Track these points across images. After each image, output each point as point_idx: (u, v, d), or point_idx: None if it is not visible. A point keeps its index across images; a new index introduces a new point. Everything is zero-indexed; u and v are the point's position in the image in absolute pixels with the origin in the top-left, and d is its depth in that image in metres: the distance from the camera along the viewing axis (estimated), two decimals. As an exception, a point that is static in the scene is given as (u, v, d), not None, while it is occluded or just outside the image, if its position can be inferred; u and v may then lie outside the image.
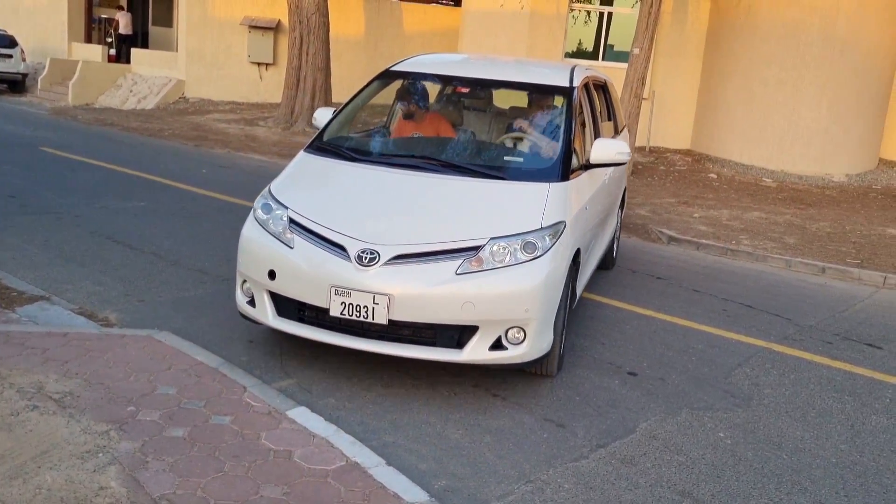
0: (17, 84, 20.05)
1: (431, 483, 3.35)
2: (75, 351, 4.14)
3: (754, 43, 13.39)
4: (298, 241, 4.13)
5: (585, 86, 5.60)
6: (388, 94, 5.79)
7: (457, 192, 4.43)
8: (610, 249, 6.69)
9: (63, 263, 5.98)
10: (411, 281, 3.89)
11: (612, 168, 5.59)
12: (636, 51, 12.07)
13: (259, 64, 19.34)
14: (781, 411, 4.41)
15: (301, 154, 4.99)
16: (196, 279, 5.84)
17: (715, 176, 13.09)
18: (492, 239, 4.02)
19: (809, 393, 4.70)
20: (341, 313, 3.93)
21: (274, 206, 4.39)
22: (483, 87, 5.79)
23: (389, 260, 3.93)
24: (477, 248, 3.99)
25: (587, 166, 5.01)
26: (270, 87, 19.09)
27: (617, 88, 7.61)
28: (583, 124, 5.32)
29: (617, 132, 6.86)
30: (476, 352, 3.95)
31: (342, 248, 4.01)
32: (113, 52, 20.80)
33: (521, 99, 5.80)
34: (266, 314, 4.22)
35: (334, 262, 3.98)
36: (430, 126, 5.46)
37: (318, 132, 5.19)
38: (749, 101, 13.55)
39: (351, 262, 3.95)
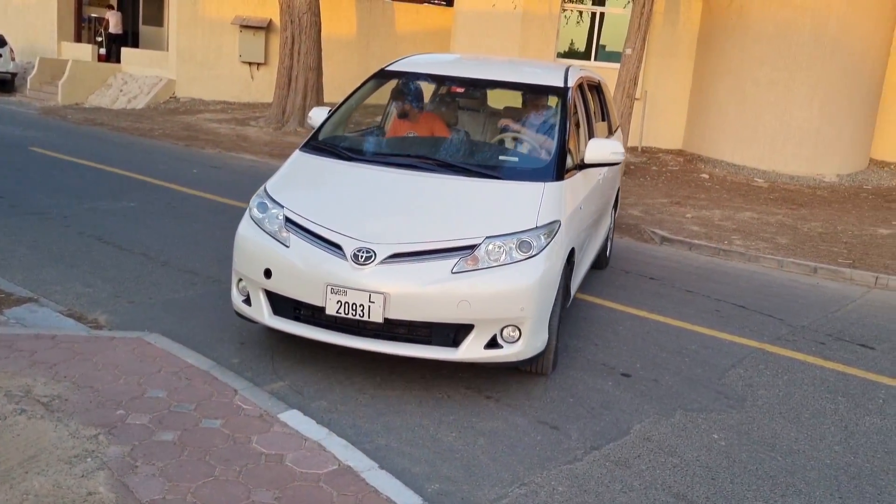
0: (5, 83, 19.89)
1: (425, 486, 3.33)
2: (64, 353, 4.09)
3: (746, 43, 13.41)
4: (294, 239, 4.14)
5: (580, 86, 5.63)
6: (384, 93, 5.80)
7: (452, 192, 4.44)
8: (604, 249, 6.70)
9: (52, 265, 5.92)
10: (407, 280, 3.91)
11: (606, 168, 5.63)
12: (628, 51, 12.07)
13: (250, 63, 19.26)
14: (775, 412, 4.40)
15: (296, 153, 4.99)
16: (186, 280, 5.79)
17: (707, 176, 13.11)
18: (487, 238, 4.03)
19: (803, 394, 4.70)
20: (337, 312, 3.94)
21: (270, 204, 4.39)
22: (478, 87, 5.81)
23: (385, 259, 3.94)
24: (472, 247, 4.00)
25: (582, 166, 5.03)
26: (262, 87, 19.02)
27: (609, 89, 7.60)
28: (577, 124, 5.34)
29: (611, 132, 6.88)
30: (471, 350, 3.96)
31: (338, 246, 4.02)
32: (103, 51, 20.67)
33: (515, 99, 5.81)
34: (262, 313, 4.23)
35: (330, 260, 3.99)
36: (425, 126, 5.48)
37: (313, 131, 5.19)
38: (741, 101, 13.57)
39: (347, 260, 3.96)
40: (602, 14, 15.60)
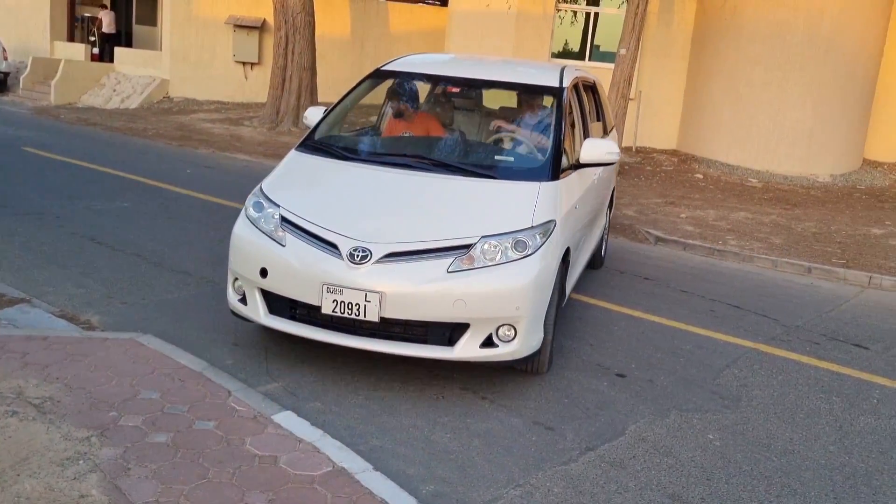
0: (-2, 83, 19.80)
1: (419, 488, 3.31)
2: (56, 355, 4.06)
3: (740, 43, 13.43)
4: (290, 239, 4.15)
5: (575, 86, 5.64)
6: (379, 93, 5.82)
7: (448, 191, 4.46)
8: (599, 249, 6.72)
9: (44, 265, 5.88)
10: (403, 279, 3.92)
11: (601, 168, 5.63)
12: (623, 51, 12.08)
13: (244, 63, 19.21)
14: (770, 412, 4.40)
15: (292, 153, 5.00)
16: (180, 281, 5.76)
17: (701, 176, 13.13)
18: (483, 237, 4.04)
19: (797, 394, 4.70)
20: (333, 311, 3.95)
21: (265, 204, 4.40)
22: (474, 87, 5.82)
23: (381, 258, 3.95)
24: (468, 247, 4.01)
25: (577, 166, 5.05)
26: (256, 87, 18.96)
27: (604, 89, 7.60)
28: (572, 124, 5.36)
29: (606, 132, 6.88)
30: (467, 349, 3.98)
31: (334, 246, 4.03)
32: (96, 51, 20.57)
33: (511, 99, 5.83)
34: (258, 312, 4.24)
35: (326, 260, 4.00)
36: (420, 125, 5.50)
37: (308, 131, 5.20)
38: (735, 101, 13.59)
39: (343, 260, 3.97)
40: (596, 14, 15.60)
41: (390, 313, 3.91)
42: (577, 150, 5.10)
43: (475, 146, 5.38)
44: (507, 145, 5.26)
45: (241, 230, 4.36)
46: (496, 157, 5.05)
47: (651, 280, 7.01)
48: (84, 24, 21.97)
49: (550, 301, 4.25)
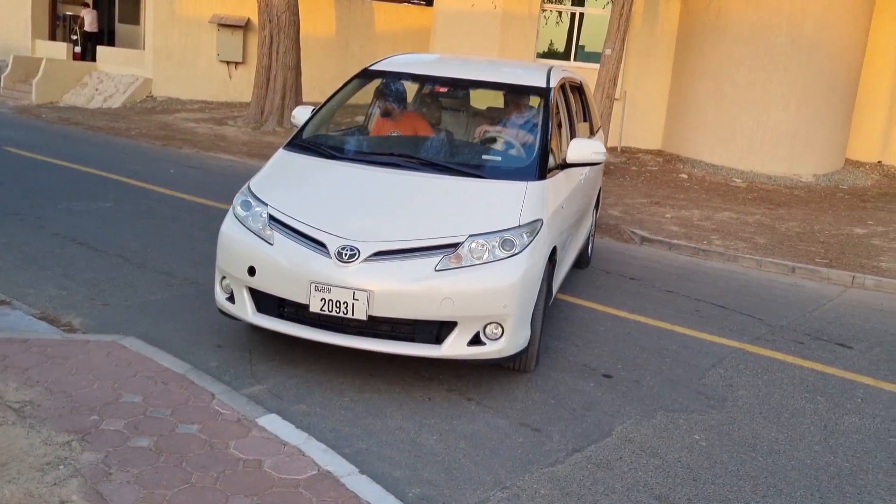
0: (-22, 82, 19.56)
1: (406, 491, 3.29)
2: (36, 358, 4.00)
3: (724, 44, 13.49)
4: (278, 237, 4.16)
5: (562, 87, 5.68)
6: (367, 93, 5.83)
7: (436, 190, 4.48)
8: (585, 248, 6.75)
9: (24, 266, 5.80)
10: (391, 277, 3.94)
11: (587, 168, 5.68)
12: (608, 51, 12.10)
13: (228, 63, 19.08)
14: (755, 412, 4.41)
15: (280, 152, 5.01)
16: (163, 282, 5.70)
17: (686, 176, 13.18)
18: (470, 236, 4.06)
19: (782, 393, 4.71)
20: (321, 309, 3.96)
21: (253, 203, 4.40)
22: (461, 87, 5.85)
23: (369, 256, 3.97)
24: (456, 245, 4.03)
25: (564, 166, 5.08)
26: (240, 87, 18.84)
27: (590, 89, 7.61)
28: (559, 124, 5.39)
29: (592, 133, 6.91)
30: (455, 347, 4.00)
31: (322, 244, 4.04)
32: (78, 49, 20.37)
33: (498, 99, 5.86)
34: (245, 310, 4.24)
35: (314, 258, 4.01)
36: (408, 125, 5.53)
37: (297, 130, 5.21)
38: (719, 101, 13.66)
39: (331, 258, 3.98)
40: (581, 14, 15.63)
41: (378, 311, 3.92)
42: (563, 150, 5.13)
43: (463, 146, 5.41)
44: (494, 145, 5.28)
45: (229, 229, 4.36)
46: (483, 157, 5.08)
47: (637, 280, 7.02)
48: (66, 22, 21.74)
49: (537, 299, 4.27)
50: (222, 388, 3.90)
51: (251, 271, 4.13)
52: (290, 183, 4.72)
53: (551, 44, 16.59)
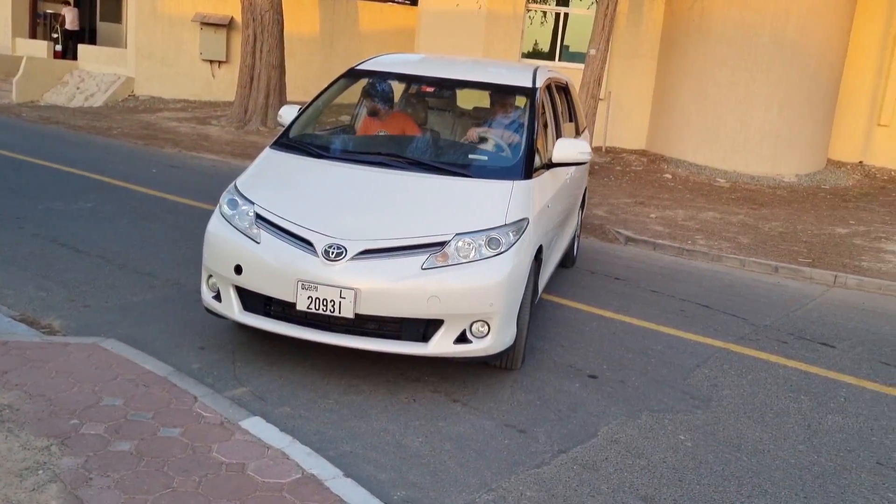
0: (-43, 80, 19.30)
1: (391, 494, 3.26)
2: (15, 360, 3.94)
3: (708, 45, 13.56)
4: (265, 236, 4.16)
5: (548, 87, 5.71)
6: (353, 92, 5.83)
7: (423, 189, 4.49)
8: (571, 247, 6.78)
9: (3, 267, 5.72)
10: (378, 275, 3.94)
11: (573, 168, 5.71)
12: (592, 52, 12.12)
13: (211, 62, 18.95)
14: (740, 412, 4.42)
15: (267, 150, 5.01)
16: (145, 283, 5.64)
17: (670, 176, 13.23)
18: (457, 235, 4.07)
19: (767, 393, 4.73)
20: (308, 307, 3.96)
21: (240, 201, 4.40)
22: (448, 87, 5.88)
23: (356, 255, 3.97)
24: (442, 244, 4.04)
25: (549, 165, 5.11)
26: (223, 86, 18.72)
27: (576, 90, 7.62)
28: (545, 124, 5.43)
29: (578, 133, 6.93)
30: (441, 345, 4.01)
31: (309, 243, 4.04)
32: (59, 48, 20.17)
33: (485, 98, 5.88)
34: (232, 309, 4.23)
35: (301, 256, 4.01)
36: (395, 124, 5.55)
37: (283, 129, 5.22)
38: (703, 102, 13.72)
39: (318, 256, 3.98)
40: (566, 14, 15.65)
41: (365, 310, 3.92)
42: (549, 150, 5.15)
43: (449, 145, 5.44)
44: (480, 145, 5.29)
45: (216, 227, 4.36)
46: (470, 156, 5.09)
47: (622, 280, 7.03)
48: (47, 20, 21.50)
49: (524, 298, 4.29)
50: (205, 391, 3.86)
51: (238, 270, 4.13)
52: (277, 182, 4.72)
53: (536, 44, 16.61)
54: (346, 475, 3.24)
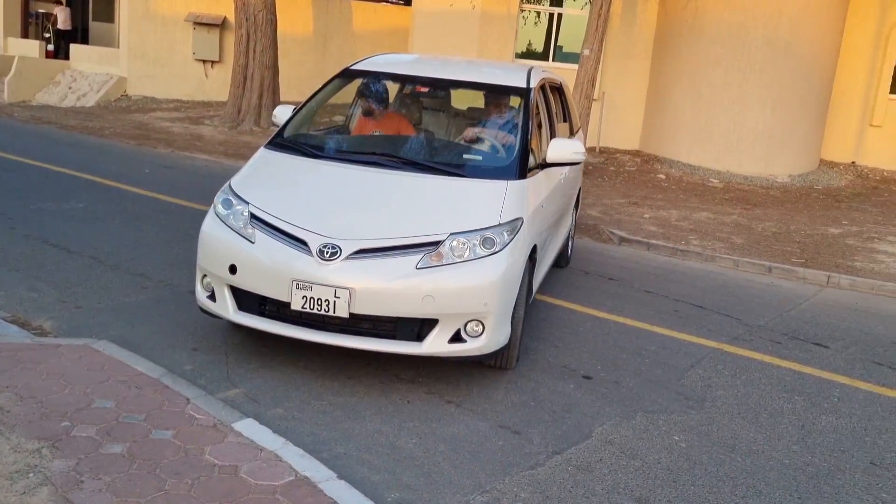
0: (-52, 80, 19.19)
1: (384, 496, 3.25)
2: (6, 362, 3.91)
3: (701, 45, 13.58)
4: (260, 235, 4.16)
5: (542, 87, 5.73)
6: (348, 93, 5.84)
7: (417, 189, 4.50)
8: (565, 247, 6.79)
9: (-6, 269, 5.69)
10: (372, 275, 3.95)
11: (567, 168, 5.72)
12: (586, 52, 12.12)
13: (204, 61, 18.89)
14: (734, 413, 4.42)
15: (261, 150, 5.01)
16: (137, 284, 5.61)
17: (664, 176, 13.25)
18: (451, 234, 4.08)
19: (761, 394, 4.73)
20: (302, 307, 3.96)
21: (235, 201, 4.40)
22: (443, 87, 5.91)
23: (351, 254, 3.98)
24: (437, 244, 4.05)
25: (544, 165, 5.12)
26: (216, 86, 18.66)
27: (570, 90, 7.62)
28: (539, 125, 5.45)
29: (572, 133, 6.93)
30: (436, 344, 4.01)
31: (304, 242, 4.05)
32: (51, 47, 20.08)
33: (479, 99, 5.89)
34: (227, 308, 4.23)
35: (296, 256, 4.02)
36: (390, 124, 5.56)
37: (277, 129, 5.22)
38: (696, 102, 13.75)
39: (312, 256, 3.98)
40: (560, 15, 15.65)
41: (359, 309, 3.93)
42: (544, 150, 5.17)
43: (444, 145, 5.45)
44: (475, 144, 5.30)
45: (210, 227, 4.35)
46: (465, 156, 5.10)
47: (615, 280, 7.03)
48: (39, 20, 21.42)
49: (518, 297, 4.30)
50: (197, 393, 3.83)
51: (232, 269, 4.14)
52: (272, 181, 4.72)
53: (530, 44, 16.60)
54: (340, 477, 3.23)
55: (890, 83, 14.98)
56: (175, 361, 4.31)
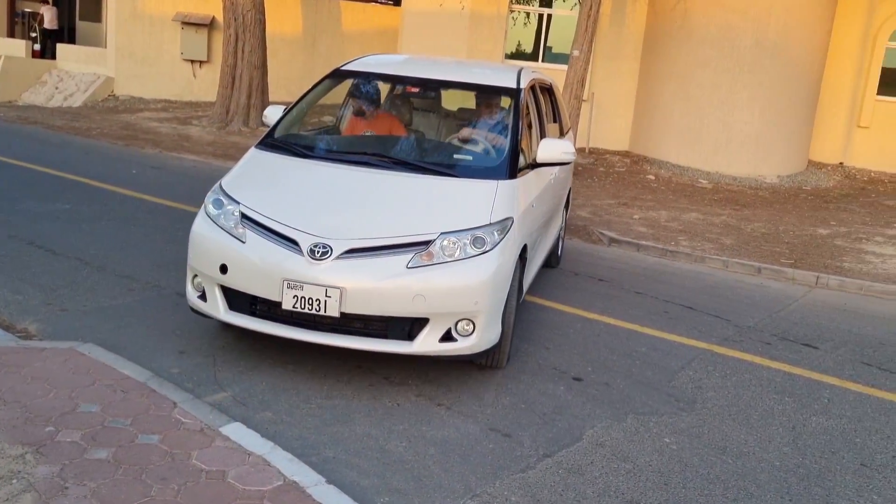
0: (-67, 79, 19.01)
1: (374, 500, 3.22)
2: (-11, 366, 3.86)
3: (690, 46, 13.62)
4: (250, 235, 4.15)
5: (532, 87, 5.74)
6: (338, 93, 5.84)
7: (408, 189, 4.50)
8: (555, 247, 6.80)
9: (-22, 271, 5.62)
10: (363, 274, 3.94)
11: (557, 168, 5.75)
12: (576, 53, 12.12)
13: (192, 61, 18.79)
14: (725, 414, 4.41)
15: (252, 150, 5.00)
16: (124, 286, 5.55)
17: (653, 177, 13.26)
18: (442, 234, 4.08)
19: (751, 395, 4.73)
20: (293, 307, 3.95)
21: (225, 201, 4.39)
22: (433, 88, 5.93)
23: (342, 254, 3.97)
24: (427, 243, 4.05)
25: (534, 165, 5.13)
26: (204, 86, 18.56)
27: (560, 91, 7.61)
28: (529, 125, 5.47)
29: (562, 133, 6.94)
30: (426, 343, 4.01)
31: (294, 242, 4.04)
32: (37, 47, 19.94)
33: (470, 99, 5.91)
34: (217, 308, 4.22)
35: (287, 256, 4.01)
36: (381, 124, 5.58)
37: (267, 129, 5.22)
38: (685, 103, 13.78)
39: (303, 256, 3.98)
40: (549, 16, 15.66)
41: (350, 308, 3.92)
42: (534, 150, 5.17)
43: (435, 145, 5.46)
44: (465, 145, 5.30)
45: (201, 227, 4.34)
46: (455, 156, 5.10)
47: (605, 281, 7.02)
48: (25, 19, 21.28)
49: (509, 296, 4.30)
50: (185, 396, 3.79)
51: (223, 269, 4.12)
52: (263, 181, 4.70)
53: (519, 45, 16.60)
54: (329, 481, 3.19)
55: (877, 84, 15.06)
56: (162, 365, 4.26)
